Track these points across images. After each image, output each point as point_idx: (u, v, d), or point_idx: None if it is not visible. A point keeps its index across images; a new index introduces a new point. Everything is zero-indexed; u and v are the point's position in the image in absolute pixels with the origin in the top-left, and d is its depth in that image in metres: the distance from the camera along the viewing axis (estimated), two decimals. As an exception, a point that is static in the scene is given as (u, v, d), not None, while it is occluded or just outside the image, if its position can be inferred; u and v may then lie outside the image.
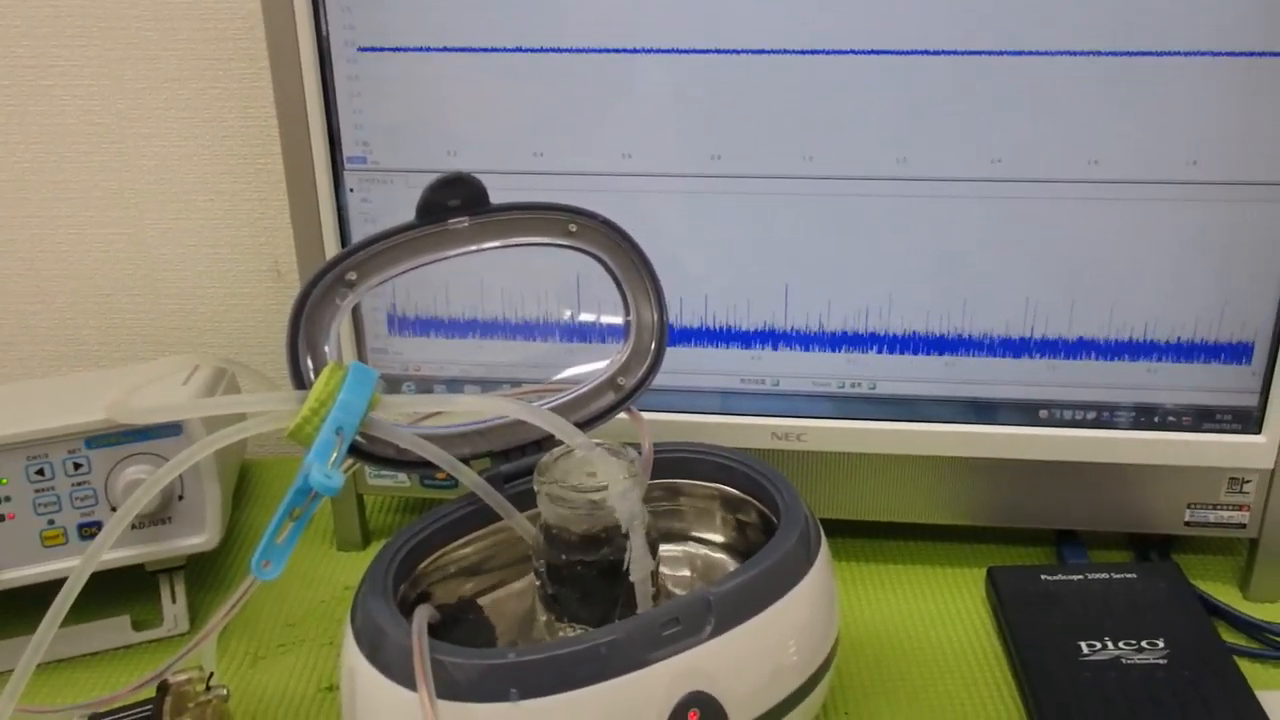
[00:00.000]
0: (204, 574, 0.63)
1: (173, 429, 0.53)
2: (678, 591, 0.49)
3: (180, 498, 0.55)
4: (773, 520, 0.47)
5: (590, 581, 0.44)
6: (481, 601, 0.48)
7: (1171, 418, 0.57)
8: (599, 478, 0.43)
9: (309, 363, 0.47)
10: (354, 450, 0.47)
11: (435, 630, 0.43)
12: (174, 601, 0.57)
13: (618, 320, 0.53)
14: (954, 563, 0.64)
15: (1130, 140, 0.52)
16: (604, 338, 0.59)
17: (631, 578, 0.43)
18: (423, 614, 0.42)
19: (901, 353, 0.58)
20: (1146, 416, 0.57)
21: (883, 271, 0.56)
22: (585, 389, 0.52)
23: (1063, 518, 0.61)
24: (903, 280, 0.57)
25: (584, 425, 0.51)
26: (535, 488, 0.45)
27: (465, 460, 0.48)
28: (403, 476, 0.63)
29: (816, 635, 0.44)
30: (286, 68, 0.56)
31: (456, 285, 0.60)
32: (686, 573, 0.51)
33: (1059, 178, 0.53)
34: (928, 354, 0.58)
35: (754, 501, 0.48)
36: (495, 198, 0.48)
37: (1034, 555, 0.64)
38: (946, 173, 0.54)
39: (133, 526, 0.54)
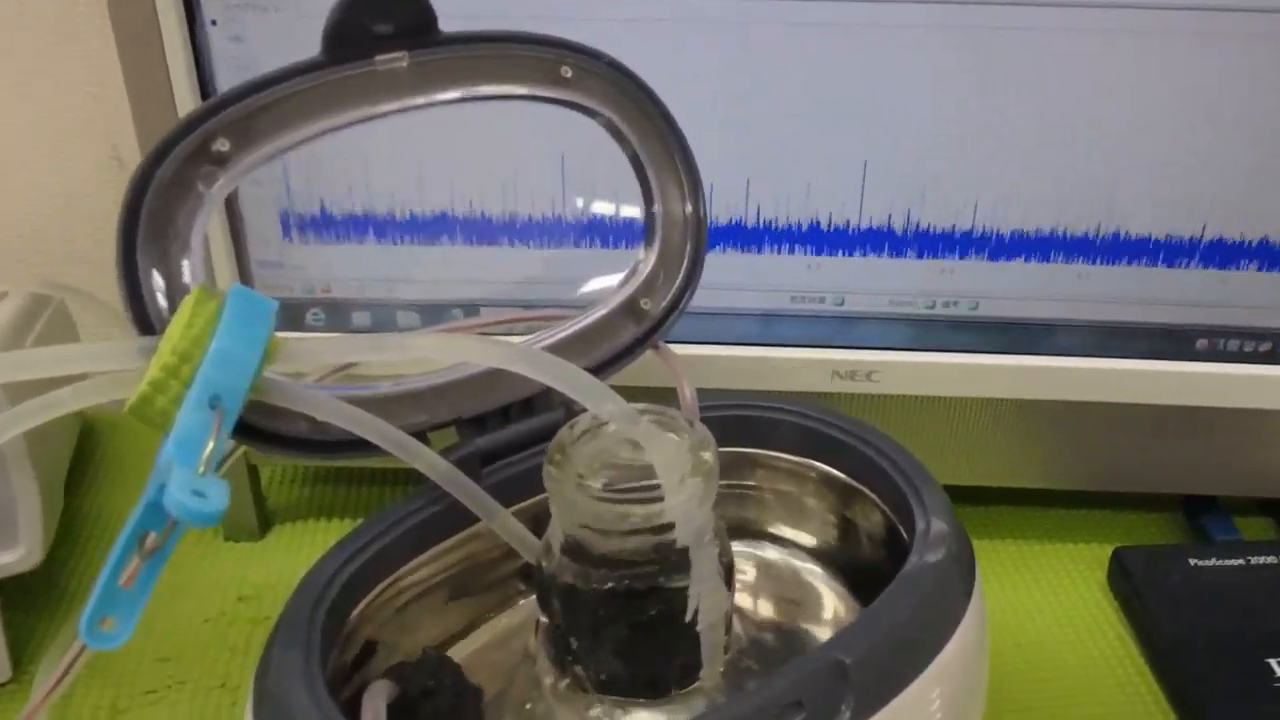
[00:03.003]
0: (29, 594, 0.46)
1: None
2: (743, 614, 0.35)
3: (-26, 496, 0.38)
4: (896, 525, 0.33)
5: (631, 627, 0.30)
6: (455, 653, 0.33)
7: (1373, 344, 0.45)
8: (651, 472, 0.28)
9: (158, 289, 0.30)
10: (242, 429, 0.31)
11: (395, 714, 0.29)
12: (-17, 639, 0.41)
13: (633, 213, 0.38)
14: (1059, 537, 0.51)
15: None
16: (610, 239, 0.43)
17: (698, 625, 0.29)
18: (379, 695, 0.27)
19: (1019, 258, 0.44)
20: (1338, 343, 0.45)
21: (1005, 144, 0.42)
22: (593, 318, 0.38)
23: (1199, 481, 0.50)
24: (1029, 158, 0.42)
25: (596, 371, 0.36)
26: (547, 481, 0.30)
27: (420, 434, 0.33)
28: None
29: (972, 702, 0.31)
30: None
31: (383, 163, 0.43)
32: (749, 576, 0.37)
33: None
34: (1055, 260, 0.44)
35: (871, 495, 0.34)
36: (445, 24, 0.33)
37: (1158, 527, 0.52)
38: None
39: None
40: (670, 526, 0.28)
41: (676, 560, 0.29)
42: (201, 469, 0.26)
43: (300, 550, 0.50)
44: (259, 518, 0.51)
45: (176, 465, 0.26)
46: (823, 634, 0.35)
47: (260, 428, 0.31)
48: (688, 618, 0.29)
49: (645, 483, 0.28)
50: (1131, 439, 0.49)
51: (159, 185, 0.30)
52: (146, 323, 0.30)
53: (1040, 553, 0.50)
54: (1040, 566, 0.49)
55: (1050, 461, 0.50)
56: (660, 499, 0.28)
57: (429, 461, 0.32)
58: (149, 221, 0.30)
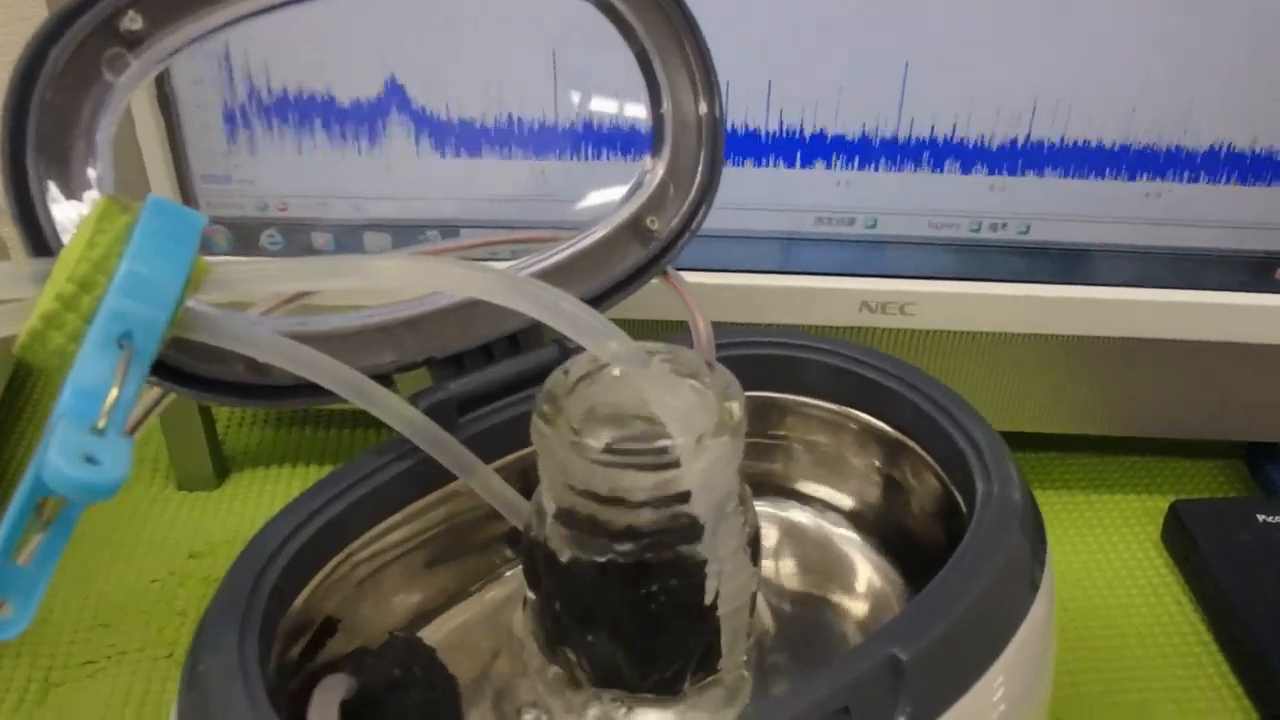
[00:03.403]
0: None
1: None
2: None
3: None
4: (948, 486, 0.28)
5: (637, 608, 0.25)
6: (428, 634, 0.29)
7: None
8: (663, 426, 0.23)
9: (55, 202, 0.25)
10: (164, 369, 0.26)
11: (356, 711, 0.24)
12: (-109, 605, 0.36)
13: (638, 114, 0.33)
14: (1107, 488, 0.47)
15: None
16: (612, 148, 0.38)
17: (719, 609, 0.25)
18: (332, 692, 0.23)
19: (1079, 174, 0.39)
20: None
21: (1066, 40, 0.36)
22: (591, 240, 0.33)
23: (1264, 427, 0.45)
24: (1095, 56, 0.37)
25: (595, 302, 0.31)
26: (535, 438, 0.25)
27: (385, 378, 0.28)
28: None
29: (1039, 693, 0.26)
30: None
31: (345, 58, 0.37)
32: (771, 541, 0.33)
33: None
34: (1121, 177, 0.39)
35: (920, 450, 0.29)
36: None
37: (1215, 477, 0.48)
38: None
39: None
40: (686, 495, 0.23)
41: (692, 528, 0.24)
42: (101, 423, 0.21)
43: (261, 501, 0.45)
44: (215, 464, 0.46)
45: (64, 422, 0.21)
46: (857, 610, 0.31)
47: (186, 370, 0.26)
48: (707, 601, 0.24)
49: (656, 443, 0.23)
50: (1192, 380, 0.44)
51: (53, 70, 0.25)
52: (42, 243, 0.25)
53: (1087, 505, 0.46)
54: (1088, 521, 0.45)
55: (1101, 405, 0.45)
56: (675, 464, 0.23)
57: (394, 410, 0.27)
58: (42, 115, 0.25)
